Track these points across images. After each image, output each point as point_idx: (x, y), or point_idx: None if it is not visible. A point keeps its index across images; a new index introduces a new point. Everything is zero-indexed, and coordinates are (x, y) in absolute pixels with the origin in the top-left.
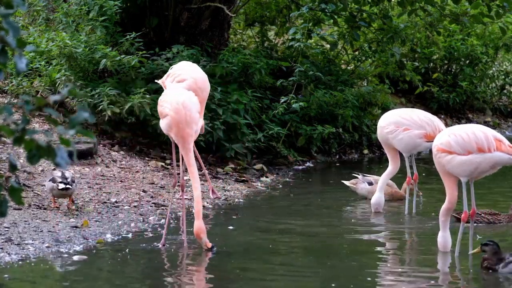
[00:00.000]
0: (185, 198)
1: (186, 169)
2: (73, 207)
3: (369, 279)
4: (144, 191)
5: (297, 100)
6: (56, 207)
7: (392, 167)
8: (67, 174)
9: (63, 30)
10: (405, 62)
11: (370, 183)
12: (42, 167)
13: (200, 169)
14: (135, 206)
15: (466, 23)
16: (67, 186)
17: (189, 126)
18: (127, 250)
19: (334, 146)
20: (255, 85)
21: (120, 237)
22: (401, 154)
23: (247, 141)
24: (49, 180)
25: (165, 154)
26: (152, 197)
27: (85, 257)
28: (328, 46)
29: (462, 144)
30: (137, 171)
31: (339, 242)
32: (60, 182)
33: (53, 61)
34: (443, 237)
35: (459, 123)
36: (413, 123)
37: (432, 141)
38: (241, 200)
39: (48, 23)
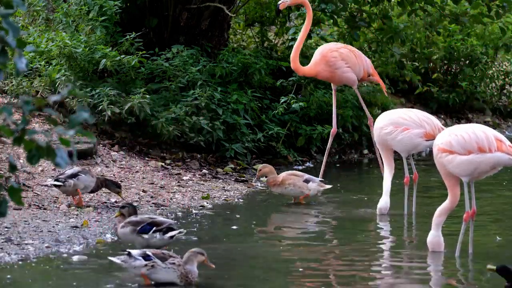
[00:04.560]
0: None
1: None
2: (84, 204)
3: (369, 279)
4: (144, 191)
5: (296, 100)
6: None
7: (390, 169)
8: (70, 170)
9: (63, 30)
10: (404, 62)
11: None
12: (42, 167)
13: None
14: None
15: (466, 23)
16: (55, 182)
17: None
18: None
19: (333, 146)
20: (254, 85)
21: None
22: (398, 154)
23: (247, 141)
24: None
25: (165, 154)
26: (152, 197)
27: (85, 257)
28: None
29: (463, 144)
30: (137, 171)
31: (339, 241)
32: (54, 178)
33: (53, 61)
34: (438, 237)
35: (459, 123)
36: (412, 122)
37: (432, 140)
38: (241, 200)
39: (48, 23)
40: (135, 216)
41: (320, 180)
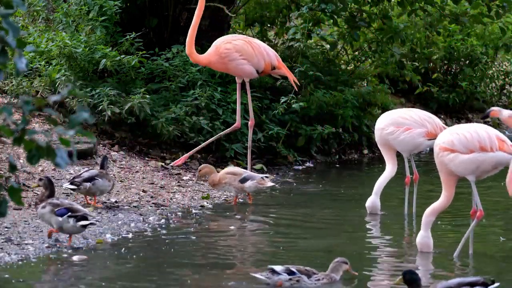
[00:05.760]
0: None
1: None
2: (101, 205)
3: (369, 279)
4: (144, 191)
5: (296, 100)
6: (88, 203)
7: (391, 169)
8: (87, 173)
9: (63, 30)
10: (404, 62)
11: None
12: (42, 167)
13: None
14: (135, 206)
15: (466, 23)
16: (70, 186)
17: None
18: (127, 250)
19: (333, 146)
20: (254, 85)
21: (120, 237)
22: (399, 154)
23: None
24: None
25: (165, 154)
26: (152, 197)
27: (85, 257)
28: (328, 46)
29: (464, 142)
30: (137, 171)
31: (339, 241)
32: (69, 180)
33: (53, 61)
34: (426, 237)
35: (459, 123)
36: (413, 122)
37: (433, 139)
38: (241, 200)
39: (48, 23)
40: (56, 199)
41: (264, 177)
